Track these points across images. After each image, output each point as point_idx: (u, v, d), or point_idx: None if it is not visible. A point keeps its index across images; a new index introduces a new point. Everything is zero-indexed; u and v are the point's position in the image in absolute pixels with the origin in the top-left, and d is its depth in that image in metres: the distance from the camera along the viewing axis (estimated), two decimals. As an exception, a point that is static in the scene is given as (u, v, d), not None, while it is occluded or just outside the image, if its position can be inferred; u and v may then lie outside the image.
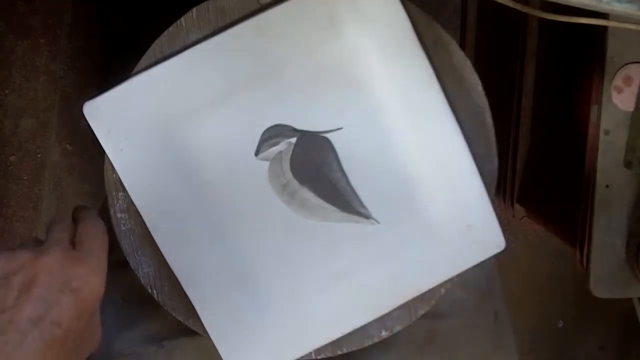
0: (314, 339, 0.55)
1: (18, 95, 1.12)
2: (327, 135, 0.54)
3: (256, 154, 0.54)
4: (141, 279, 0.55)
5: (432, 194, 0.55)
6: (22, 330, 0.38)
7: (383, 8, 0.51)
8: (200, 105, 0.53)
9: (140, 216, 0.54)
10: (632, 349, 1.35)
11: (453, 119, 0.53)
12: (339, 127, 0.54)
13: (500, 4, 0.53)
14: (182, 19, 0.53)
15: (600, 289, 0.65)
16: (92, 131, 0.53)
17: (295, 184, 0.55)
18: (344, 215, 0.56)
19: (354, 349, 0.57)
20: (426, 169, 0.55)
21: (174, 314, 0.56)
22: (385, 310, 0.55)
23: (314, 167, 0.55)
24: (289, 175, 0.55)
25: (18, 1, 1.09)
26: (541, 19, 0.56)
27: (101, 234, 0.45)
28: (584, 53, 0.66)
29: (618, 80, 0.60)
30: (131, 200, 0.54)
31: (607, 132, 0.61)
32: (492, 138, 0.56)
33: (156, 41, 0.53)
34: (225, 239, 0.55)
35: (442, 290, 0.57)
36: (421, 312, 0.57)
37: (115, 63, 1.04)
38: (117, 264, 0.54)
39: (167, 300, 0.56)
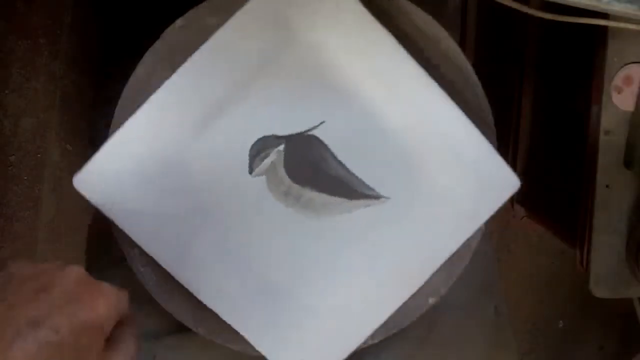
0: (360, 328, 0.55)
1: (18, 95, 1.12)
2: (312, 132, 0.54)
3: (251, 172, 0.54)
4: (151, 292, 0.55)
5: (432, 157, 0.55)
6: (18, 329, 0.38)
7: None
8: (186, 139, 0.53)
9: None
10: (632, 349, 1.35)
11: (427, 77, 0.52)
12: (321, 121, 0.54)
13: (500, 4, 0.53)
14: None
15: (600, 289, 0.65)
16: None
17: (296, 188, 0.55)
18: (353, 203, 0.55)
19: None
20: (418, 136, 0.54)
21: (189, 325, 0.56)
22: (420, 282, 0.54)
23: (310, 166, 0.55)
24: (287, 181, 0.55)
25: (18, 1, 1.09)
26: (541, 19, 0.56)
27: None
28: (584, 53, 0.66)
29: (618, 80, 0.60)
30: None
31: (607, 132, 0.61)
32: (492, 138, 0.56)
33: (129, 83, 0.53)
34: (246, 260, 0.55)
35: (443, 291, 0.57)
36: (419, 313, 0.57)
37: (115, 63, 1.04)
38: (115, 260, 0.54)
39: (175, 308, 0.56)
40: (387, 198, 0.55)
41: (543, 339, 1.35)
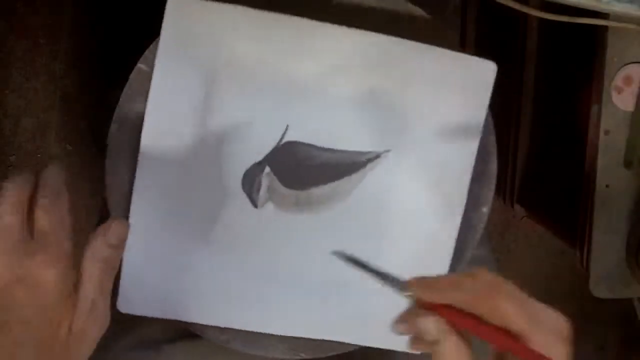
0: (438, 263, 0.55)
1: (18, 95, 1.12)
2: (284, 141, 0.54)
3: (257, 206, 0.54)
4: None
5: (404, 93, 0.54)
6: None
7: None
8: (182, 207, 0.53)
9: None
10: (632, 349, 1.35)
11: (347, 29, 0.51)
12: (284, 126, 0.54)
13: (500, 3, 0.53)
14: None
15: (600, 289, 0.65)
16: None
17: (304, 193, 0.55)
18: (360, 173, 0.55)
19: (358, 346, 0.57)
20: (380, 86, 0.53)
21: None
22: (462, 200, 0.55)
23: (302, 168, 0.54)
24: (292, 193, 0.55)
25: (18, 1, 1.09)
26: (541, 19, 0.56)
27: (56, 206, 0.41)
28: (584, 53, 0.66)
29: (618, 80, 0.60)
30: None
31: (607, 132, 0.61)
32: (492, 138, 0.56)
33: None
34: (301, 279, 0.56)
35: (490, 195, 0.57)
36: (481, 225, 0.57)
37: (115, 62, 1.04)
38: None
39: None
40: (388, 150, 0.55)
41: (543, 339, 1.35)
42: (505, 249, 1.30)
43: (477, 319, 0.35)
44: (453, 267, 0.56)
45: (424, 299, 0.37)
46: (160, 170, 0.52)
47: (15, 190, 0.40)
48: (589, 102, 0.63)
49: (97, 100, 1.09)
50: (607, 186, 0.63)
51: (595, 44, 0.61)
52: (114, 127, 0.52)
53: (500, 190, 0.93)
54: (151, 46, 0.52)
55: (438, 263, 0.55)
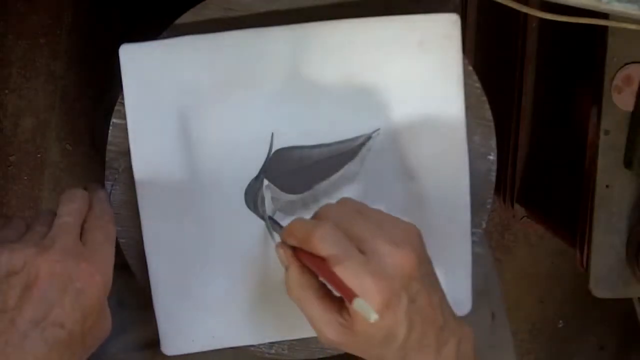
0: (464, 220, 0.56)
1: (18, 95, 1.12)
2: (273, 150, 0.54)
3: (264, 216, 0.54)
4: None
5: (375, 70, 0.53)
6: (22, 332, 0.37)
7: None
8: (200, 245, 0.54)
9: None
10: (632, 349, 1.35)
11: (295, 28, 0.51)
12: (270, 135, 0.54)
13: (500, 4, 0.53)
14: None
15: (600, 289, 0.65)
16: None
17: (308, 194, 0.55)
18: (357, 158, 0.55)
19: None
20: (347, 70, 0.53)
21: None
22: (464, 156, 0.54)
23: (298, 172, 0.54)
24: (296, 197, 0.55)
25: (18, 1, 1.09)
26: (541, 19, 0.56)
27: (107, 223, 0.45)
28: (583, 53, 0.66)
29: (618, 80, 0.60)
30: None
31: (607, 132, 0.61)
32: (492, 138, 0.56)
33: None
34: None
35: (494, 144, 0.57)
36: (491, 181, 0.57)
37: (115, 62, 1.04)
38: (116, 264, 0.54)
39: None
40: (377, 129, 0.54)
41: (543, 339, 1.35)
42: (505, 249, 1.30)
43: (308, 253, 0.42)
44: (476, 218, 0.56)
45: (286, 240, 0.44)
46: (163, 211, 0.52)
47: (78, 198, 0.45)
48: (589, 102, 0.63)
49: (97, 100, 1.09)
50: (607, 186, 0.63)
51: (595, 44, 0.61)
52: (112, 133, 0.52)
53: (500, 190, 0.93)
54: (119, 100, 0.52)
55: (459, 216, 0.55)
